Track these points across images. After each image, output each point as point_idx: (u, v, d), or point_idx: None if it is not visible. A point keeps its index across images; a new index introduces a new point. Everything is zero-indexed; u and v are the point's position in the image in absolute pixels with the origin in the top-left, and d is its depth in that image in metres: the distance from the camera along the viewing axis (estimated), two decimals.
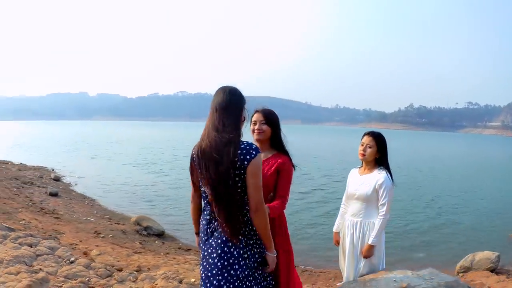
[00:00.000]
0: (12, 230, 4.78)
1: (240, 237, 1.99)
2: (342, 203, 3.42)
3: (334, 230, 3.47)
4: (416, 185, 16.51)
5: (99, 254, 5.17)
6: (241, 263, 1.97)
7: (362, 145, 3.16)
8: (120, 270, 4.54)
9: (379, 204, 3.03)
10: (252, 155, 1.95)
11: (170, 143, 41.21)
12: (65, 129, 79.65)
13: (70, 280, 3.68)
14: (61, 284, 3.49)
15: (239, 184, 1.96)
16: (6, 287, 2.98)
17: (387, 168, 3.12)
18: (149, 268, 4.76)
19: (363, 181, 3.13)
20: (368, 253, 3.05)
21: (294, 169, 2.59)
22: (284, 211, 2.59)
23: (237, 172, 1.94)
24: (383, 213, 3.00)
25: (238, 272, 1.96)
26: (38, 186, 11.83)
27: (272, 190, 2.48)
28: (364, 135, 3.20)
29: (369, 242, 3.02)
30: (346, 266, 3.24)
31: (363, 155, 3.13)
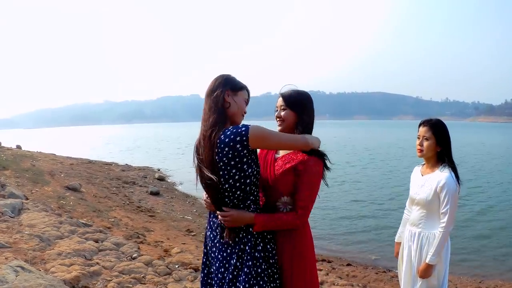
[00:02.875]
0: (87, 226, 5.13)
1: (244, 235, 1.84)
2: (405, 208, 2.86)
3: (395, 240, 2.99)
4: None
5: (179, 252, 5.26)
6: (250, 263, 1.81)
7: (418, 138, 2.60)
8: (196, 269, 4.56)
9: (440, 213, 2.47)
10: (243, 132, 1.73)
11: None
12: (178, 131, 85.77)
13: (123, 275, 3.70)
14: (111, 278, 3.56)
15: (236, 177, 1.78)
16: (55, 277, 3.12)
17: (451, 164, 2.52)
18: None
19: (424, 182, 2.58)
20: (425, 273, 2.51)
21: (326, 170, 1.95)
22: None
23: (233, 162, 1.76)
24: (444, 224, 2.43)
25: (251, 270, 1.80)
26: (140, 186, 12.49)
27: (285, 192, 1.93)
28: (419, 125, 2.63)
29: (427, 261, 2.48)
30: (402, 286, 2.69)
31: (421, 150, 2.58)
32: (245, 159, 1.76)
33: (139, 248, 4.79)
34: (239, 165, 1.75)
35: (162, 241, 6.04)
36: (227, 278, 1.81)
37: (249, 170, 1.79)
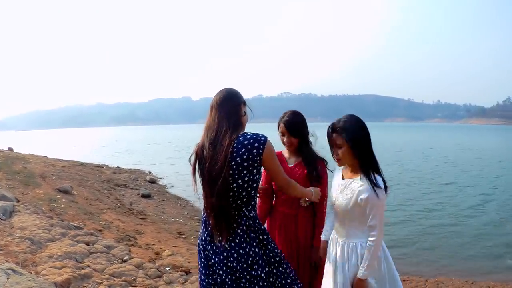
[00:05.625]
0: (79, 228, 5.15)
1: (252, 234, 1.95)
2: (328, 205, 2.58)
3: (321, 237, 2.55)
4: None
5: (170, 255, 5.28)
6: (260, 262, 1.94)
7: (331, 146, 2.25)
8: (187, 271, 4.58)
9: (367, 225, 2.14)
10: (262, 141, 1.90)
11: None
12: (170, 133, 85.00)
13: (114, 278, 3.72)
14: (102, 281, 3.59)
15: (246, 179, 1.89)
16: (46, 279, 3.16)
17: (374, 169, 2.15)
18: None
19: (343, 188, 2.23)
20: None
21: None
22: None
23: (245, 164, 1.88)
24: (374, 238, 2.11)
25: (259, 272, 1.92)
26: (131, 188, 12.38)
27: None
28: (328, 130, 2.24)
29: (359, 276, 2.13)
30: None
31: (338, 159, 2.22)
32: (255, 164, 1.89)
33: (130, 251, 4.81)
34: (250, 168, 1.88)
35: (153, 244, 6.06)
36: (233, 277, 1.90)
37: (257, 176, 1.94)
